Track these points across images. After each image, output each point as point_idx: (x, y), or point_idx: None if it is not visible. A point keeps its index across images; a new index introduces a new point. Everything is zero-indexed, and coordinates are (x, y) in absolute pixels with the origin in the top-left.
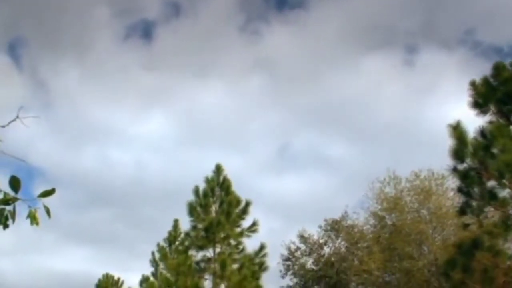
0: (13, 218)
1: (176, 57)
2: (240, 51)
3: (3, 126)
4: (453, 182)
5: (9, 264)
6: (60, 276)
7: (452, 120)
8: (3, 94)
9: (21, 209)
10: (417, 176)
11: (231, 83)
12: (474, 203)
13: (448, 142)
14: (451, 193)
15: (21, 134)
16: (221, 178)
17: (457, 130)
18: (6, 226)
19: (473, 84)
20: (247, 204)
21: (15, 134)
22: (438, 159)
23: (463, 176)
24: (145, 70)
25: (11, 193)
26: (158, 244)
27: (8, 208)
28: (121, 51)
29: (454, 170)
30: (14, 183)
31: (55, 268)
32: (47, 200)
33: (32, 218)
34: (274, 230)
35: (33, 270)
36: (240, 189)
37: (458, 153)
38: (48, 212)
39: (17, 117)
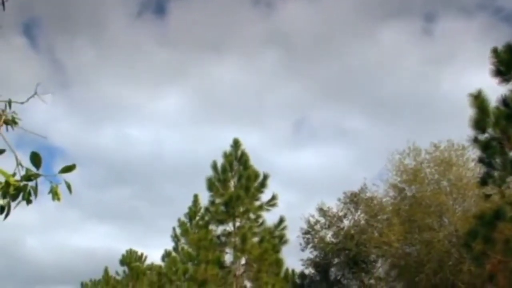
0: (36, 194)
1: (190, 33)
2: (254, 25)
3: (22, 103)
4: (473, 153)
5: (36, 241)
6: (84, 252)
7: (473, 89)
8: (20, 75)
9: (43, 188)
10: (437, 147)
11: (246, 57)
12: (495, 174)
13: (469, 112)
14: (472, 164)
15: (40, 114)
16: (239, 152)
17: (478, 99)
18: (29, 201)
19: (495, 51)
20: (265, 177)
21: (34, 114)
22: (458, 130)
23: (485, 146)
24: (159, 46)
25: (33, 169)
26: (178, 220)
27: (31, 184)
28: (135, 28)
29: (475, 140)
30: (35, 159)
31: (79, 244)
32: (68, 177)
33: (54, 193)
34: (293, 204)
35: (58, 247)
36: (257, 164)
37: (479, 123)
38: (69, 187)
39: (35, 93)
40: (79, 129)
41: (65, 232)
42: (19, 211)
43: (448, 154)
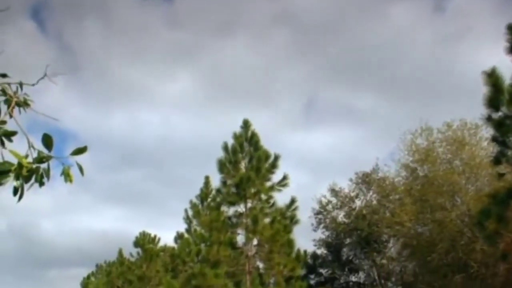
0: (48, 176)
1: (199, 14)
2: (262, 4)
3: (33, 84)
4: (487, 132)
5: (50, 225)
6: (98, 235)
7: (487, 67)
8: (29, 59)
9: (55, 172)
10: (449, 126)
11: (255, 38)
12: (509, 152)
13: (483, 90)
14: (485, 143)
15: (51, 99)
16: (249, 133)
17: (492, 77)
18: (42, 183)
19: (510, 27)
20: (276, 158)
21: (45, 99)
22: (472, 108)
23: (498, 125)
24: (168, 28)
25: (45, 152)
26: (190, 202)
27: (43, 166)
28: (144, 10)
29: (489, 119)
30: (47, 140)
31: (93, 227)
32: (79, 160)
33: (66, 175)
34: (304, 185)
35: (73, 229)
36: (268, 145)
37: (493, 101)
38: (81, 169)
39: (45, 75)
40: (90, 113)
41: (78, 215)
42: (33, 195)
43: (461, 133)
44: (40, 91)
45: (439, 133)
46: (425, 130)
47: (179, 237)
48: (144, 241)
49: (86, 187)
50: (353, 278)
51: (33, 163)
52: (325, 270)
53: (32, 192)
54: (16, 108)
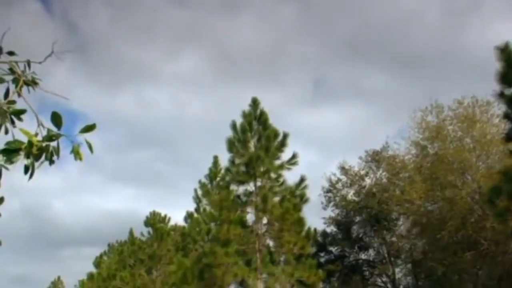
0: (58, 154)
1: None
2: None
3: (40, 62)
4: (498, 108)
5: (62, 205)
6: (109, 214)
7: (499, 42)
8: (36, 39)
9: (65, 153)
10: (460, 103)
11: (263, 15)
12: None
13: (495, 66)
14: (497, 120)
15: (59, 79)
16: (258, 111)
17: (505, 52)
18: (52, 162)
19: None
20: (285, 136)
21: (53, 80)
22: (483, 85)
23: (510, 101)
24: (175, 7)
25: (54, 130)
26: (199, 181)
27: (52, 144)
28: None
29: (501, 95)
30: (56, 118)
31: (103, 207)
32: (89, 139)
33: (76, 153)
34: (313, 163)
35: (84, 209)
36: (277, 124)
37: (506, 77)
38: (90, 147)
39: (52, 52)
40: (98, 93)
41: (89, 195)
42: (45, 176)
43: (472, 110)
44: (47, 72)
45: (450, 111)
46: (436, 107)
47: (188, 216)
48: (155, 221)
49: (96, 167)
50: (362, 256)
51: (43, 141)
52: (335, 248)
53: (43, 173)
54: (25, 88)
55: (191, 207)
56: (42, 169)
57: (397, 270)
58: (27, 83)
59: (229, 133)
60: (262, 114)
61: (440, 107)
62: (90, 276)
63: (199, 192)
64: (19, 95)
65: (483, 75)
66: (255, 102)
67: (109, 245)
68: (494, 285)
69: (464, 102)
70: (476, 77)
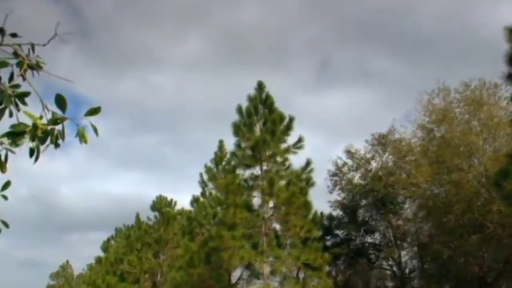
0: (63, 138)
1: None
2: None
3: (44, 45)
4: (506, 91)
5: (69, 190)
6: (115, 199)
7: (507, 23)
8: (39, 23)
9: (71, 138)
10: (467, 86)
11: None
12: None
13: (504, 47)
14: (504, 103)
15: (63, 65)
16: (264, 95)
17: None
18: (57, 145)
19: None
20: (291, 120)
21: (56, 65)
22: (491, 67)
23: None
24: None
25: (59, 113)
26: (205, 165)
27: (58, 127)
28: None
29: (509, 77)
30: (60, 101)
31: (110, 191)
32: (94, 121)
33: (81, 136)
34: (319, 147)
35: (90, 194)
36: (282, 107)
37: None
38: (95, 130)
39: (56, 34)
40: (102, 78)
41: (96, 180)
42: (51, 162)
43: (479, 92)
44: (51, 57)
45: (457, 93)
46: (443, 90)
47: (195, 200)
48: (161, 205)
49: (101, 153)
50: (368, 239)
51: (48, 124)
52: (341, 232)
53: (50, 158)
54: (29, 72)
55: (197, 191)
56: (49, 155)
57: (403, 253)
58: (31, 67)
59: (235, 117)
60: (268, 97)
61: (447, 90)
62: (98, 260)
63: (205, 177)
64: (23, 78)
65: (491, 57)
66: (260, 86)
67: (116, 229)
68: (499, 268)
69: (472, 85)
70: (484, 59)
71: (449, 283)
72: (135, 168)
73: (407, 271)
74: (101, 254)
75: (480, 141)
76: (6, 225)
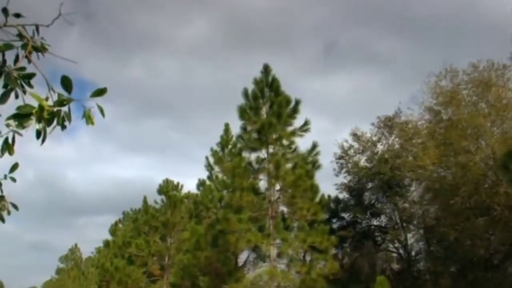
0: (70, 119)
1: None
2: None
3: (48, 25)
4: None
5: (76, 175)
6: (122, 183)
7: None
8: (43, 7)
9: (77, 123)
10: (475, 67)
11: None
12: None
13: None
14: None
15: (67, 49)
16: (270, 78)
17: None
18: (64, 127)
19: None
20: (297, 103)
21: (61, 49)
22: (499, 48)
23: None
24: None
25: (65, 95)
26: (211, 149)
27: (64, 109)
28: None
29: None
30: (66, 82)
31: (117, 175)
32: (100, 103)
33: (87, 117)
34: (325, 130)
35: (97, 178)
36: (288, 90)
37: None
38: (102, 111)
39: (60, 14)
40: (108, 62)
41: (102, 165)
42: (58, 147)
43: (488, 74)
44: (56, 41)
45: (465, 75)
46: (450, 72)
47: (201, 184)
48: (168, 189)
49: (107, 137)
50: (375, 222)
51: (54, 106)
52: (347, 214)
53: (57, 144)
54: (34, 54)
55: (204, 175)
56: (56, 140)
57: (409, 235)
58: (36, 49)
59: (240, 100)
60: (274, 80)
61: (454, 72)
62: (106, 243)
63: (211, 160)
64: (29, 61)
65: (499, 38)
66: (266, 69)
67: (123, 213)
68: (506, 250)
69: (480, 66)
70: (492, 40)
71: (455, 265)
72: (141, 152)
73: (413, 253)
74: (109, 237)
75: (487, 123)
76: (15, 207)
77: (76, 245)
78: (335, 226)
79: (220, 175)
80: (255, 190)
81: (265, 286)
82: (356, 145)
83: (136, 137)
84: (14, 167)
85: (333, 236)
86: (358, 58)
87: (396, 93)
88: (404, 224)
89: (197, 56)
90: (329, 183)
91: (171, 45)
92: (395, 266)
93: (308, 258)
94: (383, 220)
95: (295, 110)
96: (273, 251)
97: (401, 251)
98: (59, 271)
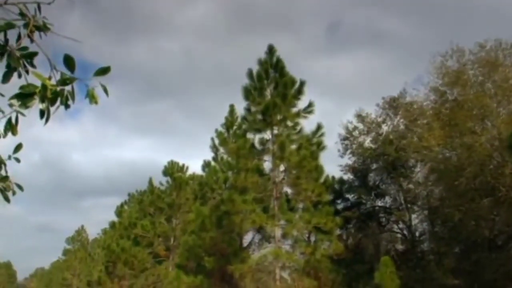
0: (73, 99)
1: None
2: None
3: (49, 3)
4: None
5: (81, 157)
6: (128, 165)
7: None
8: None
9: (81, 107)
10: (482, 47)
11: None
12: None
13: None
14: None
15: (70, 30)
16: (274, 59)
17: None
18: (67, 106)
19: None
20: (302, 84)
21: (64, 30)
22: (507, 27)
23: None
24: None
25: (67, 74)
26: (216, 130)
27: (67, 88)
28: None
29: None
30: (69, 61)
31: (122, 157)
32: (104, 83)
33: (91, 96)
34: (329, 111)
35: (102, 161)
36: (292, 71)
37: None
38: (105, 90)
39: None
40: (111, 44)
41: (107, 147)
42: (62, 129)
43: (495, 54)
44: (59, 22)
45: (471, 55)
46: (456, 51)
47: (206, 165)
48: (173, 170)
49: (112, 119)
50: (379, 203)
51: (57, 85)
52: (352, 195)
53: (61, 127)
54: (37, 34)
55: (209, 156)
56: (60, 123)
57: (413, 216)
58: (38, 28)
59: (245, 81)
60: (279, 61)
61: (461, 52)
62: (112, 224)
63: (216, 141)
64: (31, 40)
65: (507, 17)
66: (271, 50)
67: (129, 194)
68: (510, 231)
69: (487, 46)
70: (500, 19)
71: (459, 246)
72: (146, 134)
73: (417, 234)
74: (115, 219)
75: (494, 104)
76: (20, 188)
77: (82, 226)
78: (339, 207)
79: (225, 157)
80: (260, 171)
81: (269, 267)
82: (360, 126)
83: (141, 119)
84: (18, 147)
85: (338, 217)
86: (362, 38)
87: (401, 74)
88: (409, 205)
89: (201, 37)
90: (333, 164)
91: (175, 26)
92: (399, 246)
93: (312, 239)
94: (387, 201)
95: (299, 91)
96: (278, 232)
97: (405, 232)
98: (66, 252)
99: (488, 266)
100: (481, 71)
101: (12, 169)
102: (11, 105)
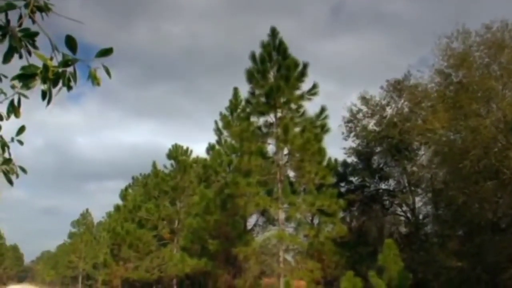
0: (75, 80)
1: None
2: None
3: None
4: None
5: (84, 141)
6: (131, 148)
7: None
8: None
9: (84, 90)
10: (488, 28)
11: None
12: None
13: None
14: None
15: (71, 13)
16: (277, 41)
17: None
18: (69, 87)
19: None
20: (305, 66)
21: (67, 14)
22: None
23: None
24: None
25: (69, 55)
26: (220, 113)
27: (69, 70)
28: None
29: None
30: (71, 42)
31: (125, 141)
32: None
33: (93, 78)
34: (333, 94)
35: (106, 144)
36: (295, 53)
37: None
38: (108, 72)
39: None
40: (113, 27)
41: (111, 130)
42: (65, 114)
43: (501, 35)
44: (59, 5)
45: (477, 36)
46: (462, 33)
47: (210, 148)
48: (177, 153)
49: (114, 103)
50: (383, 186)
51: (58, 67)
52: (356, 178)
53: (64, 111)
54: (38, 15)
55: (213, 139)
56: (63, 108)
57: (417, 199)
58: (39, 8)
59: (248, 64)
60: (281, 44)
61: (466, 33)
62: (117, 208)
63: (220, 124)
64: (33, 21)
65: None
66: (274, 32)
67: (133, 178)
68: None
69: (493, 27)
70: (506, 1)
71: (462, 228)
72: (149, 117)
73: (420, 217)
74: (120, 202)
75: (499, 86)
76: (24, 170)
77: (87, 209)
78: (343, 189)
79: (229, 140)
80: (264, 154)
81: (273, 249)
82: (364, 108)
83: (143, 102)
84: (21, 129)
85: (341, 199)
86: (366, 19)
87: (405, 56)
88: (412, 188)
89: (204, 20)
90: (337, 147)
91: (178, 9)
92: (403, 229)
93: (316, 221)
94: (391, 183)
95: (303, 74)
96: (282, 215)
97: (409, 214)
98: (71, 235)
99: (492, 248)
100: (486, 52)
101: (16, 152)
102: (13, 87)
